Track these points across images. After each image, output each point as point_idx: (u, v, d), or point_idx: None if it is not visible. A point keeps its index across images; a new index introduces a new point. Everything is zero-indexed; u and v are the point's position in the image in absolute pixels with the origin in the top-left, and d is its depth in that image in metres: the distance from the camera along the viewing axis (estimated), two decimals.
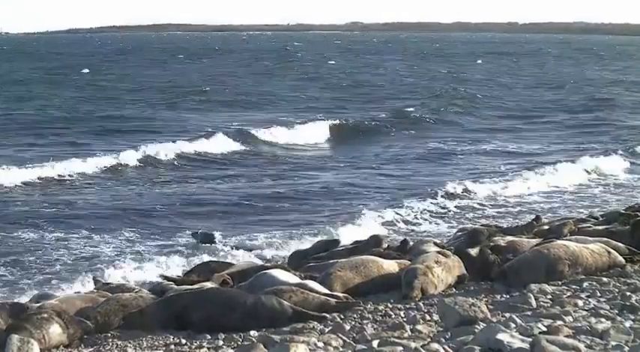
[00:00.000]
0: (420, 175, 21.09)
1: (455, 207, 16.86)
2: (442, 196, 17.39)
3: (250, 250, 13.26)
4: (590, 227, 11.07)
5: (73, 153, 22.72)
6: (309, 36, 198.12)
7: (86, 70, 61.18)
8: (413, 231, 14.93)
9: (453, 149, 25.87)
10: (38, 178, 19.59)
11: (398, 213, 15.90)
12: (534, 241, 9.81)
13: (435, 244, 10.27)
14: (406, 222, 15.57)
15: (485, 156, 24.47)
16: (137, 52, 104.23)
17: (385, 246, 10.87)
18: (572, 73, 64.00)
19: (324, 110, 35.83)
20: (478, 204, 17.23)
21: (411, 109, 35.85)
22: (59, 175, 20.05)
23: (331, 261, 9.43)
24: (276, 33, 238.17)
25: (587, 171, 20.82)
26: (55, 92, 42.95)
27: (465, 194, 17.79)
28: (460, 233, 12.02)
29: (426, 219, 15.88)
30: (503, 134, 29.71)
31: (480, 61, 79.95)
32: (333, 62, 76.86)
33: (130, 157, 22.40)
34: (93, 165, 21.16)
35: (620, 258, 9.00)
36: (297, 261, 10.87)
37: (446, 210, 16.58)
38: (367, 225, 14.64)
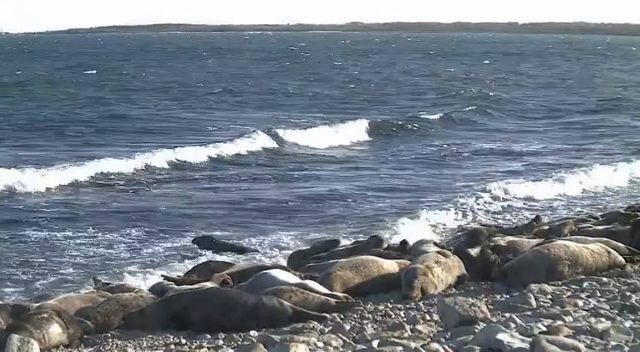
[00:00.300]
0: (448, 177, 20.86)
1: (489, 208, 16.72)
2: (473, 196, 17.37)
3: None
4: (590, 227, 11.08)
5: (90, 155, 22.58)
6: (312, 36, 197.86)
7: (93, 71, 61.10)
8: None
9: (477, 150, 25.77)
10: (55, 180, 19.45)
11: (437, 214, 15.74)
12: (534, 241, 9.81)
13: (435, 244, 10.27)
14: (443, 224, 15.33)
15: (509, 156, 24.34)
16: (154, 51, 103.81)
17: (385, 246, 10.87)
18: (583, 72, 64.13)
19: (347, 110, 35.92)
20: (511, 205, 17.11)
21: (437, 109, 35.91)
22: (75, 179, 19.82)
23: (331, 261, 9.43)
24: (280, 33, 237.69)
25: (627, 174, 20.40)
26: (64, 90, 43.31)
27: (499, 195, 17.70)
28: (460, 233, 12.02)
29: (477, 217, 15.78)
30: (528, 135, 29.60)
31: (487, 61, 79.97)
32: (340, 62, 76.91)
33: (152, 159, 22.33)
34: (109, 166, 20.94)
35: (620, 258, 9.01)
36: (297, 261, 10.87)
37: (484, 211, 16.46)
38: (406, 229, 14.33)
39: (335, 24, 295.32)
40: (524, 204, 17.33)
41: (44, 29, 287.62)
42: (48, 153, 23.83)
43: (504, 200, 17.54)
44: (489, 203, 17.18)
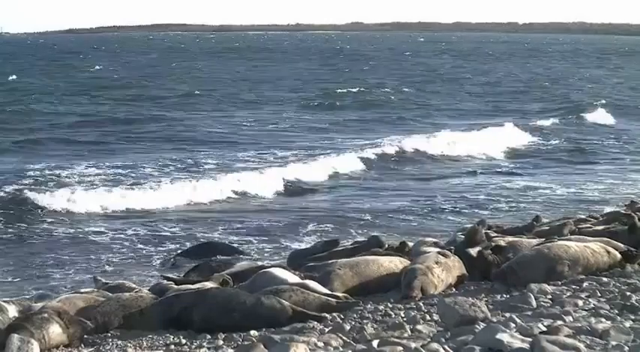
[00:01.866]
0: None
1: None
2: None
3: None
4: (590, 227, 11.08)
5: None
6: (321, 37, 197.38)
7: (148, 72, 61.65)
8: None
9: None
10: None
11: None
12: (534, 241, 9.80)
13: (435, 244, 10.27)
14: None
15: None
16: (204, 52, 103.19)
17: (385, 246, 10.86)
18: None
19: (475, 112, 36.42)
20: None
21: (559, 112, 35.90)
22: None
23: (331, 261, 9.43)
24: (288, 33, 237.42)
25: None
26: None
27: None
28: (460, 233, 12.01)
29: None
30: None
31: (526, 63, 79.72)
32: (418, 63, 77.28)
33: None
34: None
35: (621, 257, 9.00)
36: (297, 261, 10.87)
37: None
38: None
39: (335, 24, 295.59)
40: None
41: (44, 29, 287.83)
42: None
43: None
44: None
